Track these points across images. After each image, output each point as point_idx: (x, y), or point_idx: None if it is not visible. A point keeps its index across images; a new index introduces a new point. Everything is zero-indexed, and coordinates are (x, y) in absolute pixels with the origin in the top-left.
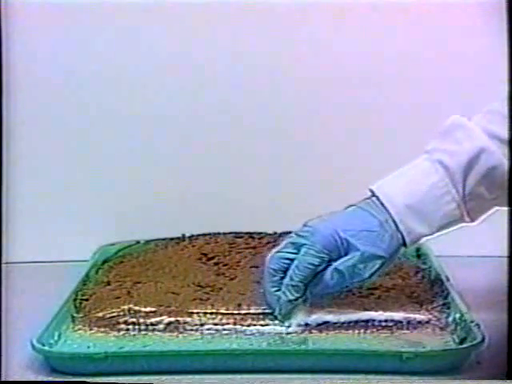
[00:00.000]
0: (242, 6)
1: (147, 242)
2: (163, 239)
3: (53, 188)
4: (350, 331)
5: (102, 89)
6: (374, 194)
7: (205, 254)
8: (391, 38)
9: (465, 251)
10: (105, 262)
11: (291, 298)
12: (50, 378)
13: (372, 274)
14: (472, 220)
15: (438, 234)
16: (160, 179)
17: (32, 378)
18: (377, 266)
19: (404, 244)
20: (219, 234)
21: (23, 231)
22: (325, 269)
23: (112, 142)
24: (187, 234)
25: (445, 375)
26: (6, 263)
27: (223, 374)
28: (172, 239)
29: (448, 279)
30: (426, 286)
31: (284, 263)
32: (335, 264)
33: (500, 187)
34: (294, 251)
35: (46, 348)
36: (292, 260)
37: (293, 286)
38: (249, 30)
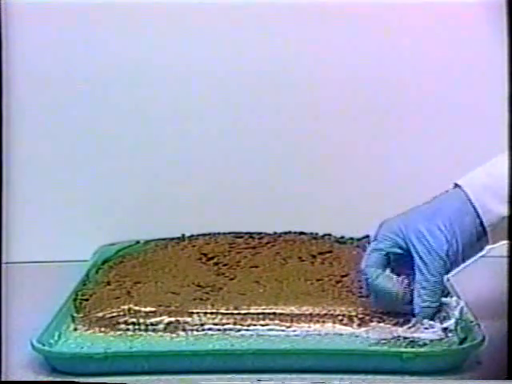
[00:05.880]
0: (243, 6)
1: (147, 241)
2: (163, 239)
3: (53, 188)
4: None
5: (101, 89)
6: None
7: (205, 254)
8: (390, 38)
9: None
10: (105, 261)
11: None
12: (50, 378)
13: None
14: None
15: None
16: (160, 179)
17: (32, 378)
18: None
19: (481, 224)
20: (219, 234)
21: (23, 231)
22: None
23: (112, 142)
24: (187, 234)
25: (445, 375)
26: (6, 263)
27: (223, 374)
28: (172, 239)
29: (448, 279)
30: None
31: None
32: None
33: None
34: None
35: (46, 348)
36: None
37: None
38: (249, 30)
